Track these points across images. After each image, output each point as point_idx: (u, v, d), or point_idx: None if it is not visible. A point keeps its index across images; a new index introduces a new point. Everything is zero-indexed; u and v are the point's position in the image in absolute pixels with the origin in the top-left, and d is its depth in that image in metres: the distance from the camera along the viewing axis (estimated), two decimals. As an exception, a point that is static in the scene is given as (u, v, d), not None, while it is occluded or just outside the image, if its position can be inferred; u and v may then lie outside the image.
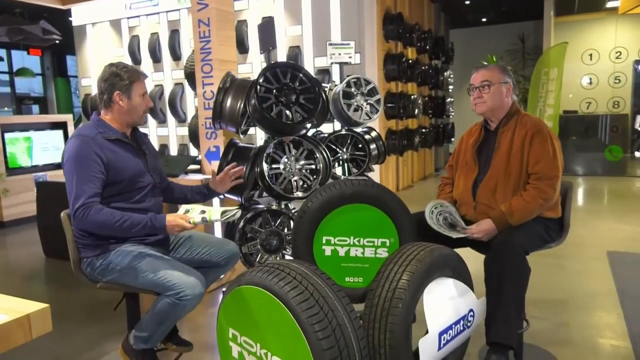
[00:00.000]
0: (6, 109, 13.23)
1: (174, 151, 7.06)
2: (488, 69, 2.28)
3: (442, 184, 2.56)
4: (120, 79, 2.00)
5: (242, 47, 6.11)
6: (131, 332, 2.03)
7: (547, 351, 2.41)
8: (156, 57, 6.99)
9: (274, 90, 2.70)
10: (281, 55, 5.93)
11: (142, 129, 2.34)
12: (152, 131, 7.17)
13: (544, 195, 2.11)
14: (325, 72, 5.63)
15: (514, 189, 2.19)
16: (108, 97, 2.02)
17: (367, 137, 3.24)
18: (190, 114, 6.66)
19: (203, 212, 1.96)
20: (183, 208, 2.05)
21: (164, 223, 1.91)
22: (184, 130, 6.72)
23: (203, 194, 2.38)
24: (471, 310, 1.93)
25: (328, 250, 2.11)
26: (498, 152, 2.24)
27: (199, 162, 3.70)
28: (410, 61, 7.14)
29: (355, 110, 3.02)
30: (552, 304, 3.01)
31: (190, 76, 5.62)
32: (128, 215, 1.89)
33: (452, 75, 9.53)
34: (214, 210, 1.97)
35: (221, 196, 2.62)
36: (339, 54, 3.57)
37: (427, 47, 8.04)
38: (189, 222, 1.91)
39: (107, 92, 2.01)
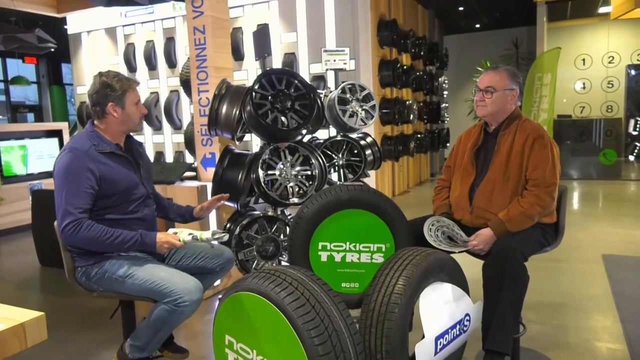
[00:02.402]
0: (1, 117, 13.19)
1: (169, 158, 7.05)
2: (497, 73, 2.22)
3: (438, 186, 2.51)
4: (112, 89, 1.96)
5: (238, 54, 6.13)
6: (126, 341, 2.02)
7: (544, 355, 2.41)
8: (152, 65, 7.00)
9: (270, 97, 2.71)
10: (276, 62, 5.95)
11: (137, 137, 2.33)
12: (148, 138, 7.17)
13: (541, 203, 2.10)
14: (320, 78, 5.65)
15: (511, 193, 2.17)
16: (101, 109, 1.98)
17: (362, 142, 3.25)
18: (186, 121, 6.67)
19: (191, 233, 1.98)
20: (171, 230, 2.05)
21: (154, 240, 1.92)
22: (180, 138, 6.71)
23: (184, 218, 2.34)
24: (467, 314, 1.94)
25: (324, 256, 2.11)
26: (497, 155, 2.22)
27: (194, 169, 3.70)
28: (404, 67, 7.18)
29: (351, 116, 3.03)
30: (548, 307, 3.02)
31: (185, 83, 5.64)
32: (119, 231, 1.88)
33: (446, 81, 9.58)
34: (204, 232, 1.98)
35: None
36: (334, 61, 3.59)
37: (422, 53, 8.09)
38: (179, 241, 1.94)
39: (99, 104, 1.97)
